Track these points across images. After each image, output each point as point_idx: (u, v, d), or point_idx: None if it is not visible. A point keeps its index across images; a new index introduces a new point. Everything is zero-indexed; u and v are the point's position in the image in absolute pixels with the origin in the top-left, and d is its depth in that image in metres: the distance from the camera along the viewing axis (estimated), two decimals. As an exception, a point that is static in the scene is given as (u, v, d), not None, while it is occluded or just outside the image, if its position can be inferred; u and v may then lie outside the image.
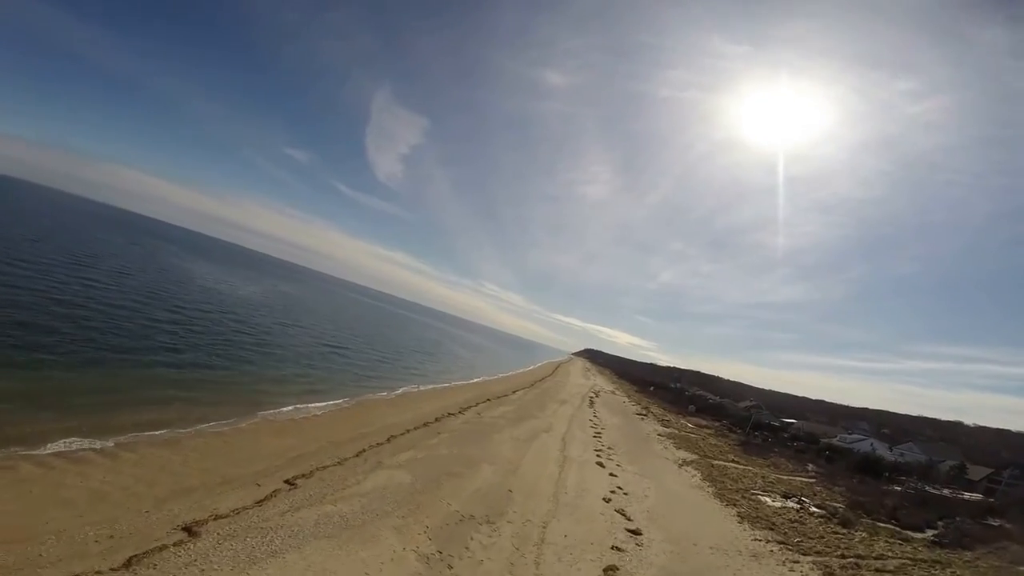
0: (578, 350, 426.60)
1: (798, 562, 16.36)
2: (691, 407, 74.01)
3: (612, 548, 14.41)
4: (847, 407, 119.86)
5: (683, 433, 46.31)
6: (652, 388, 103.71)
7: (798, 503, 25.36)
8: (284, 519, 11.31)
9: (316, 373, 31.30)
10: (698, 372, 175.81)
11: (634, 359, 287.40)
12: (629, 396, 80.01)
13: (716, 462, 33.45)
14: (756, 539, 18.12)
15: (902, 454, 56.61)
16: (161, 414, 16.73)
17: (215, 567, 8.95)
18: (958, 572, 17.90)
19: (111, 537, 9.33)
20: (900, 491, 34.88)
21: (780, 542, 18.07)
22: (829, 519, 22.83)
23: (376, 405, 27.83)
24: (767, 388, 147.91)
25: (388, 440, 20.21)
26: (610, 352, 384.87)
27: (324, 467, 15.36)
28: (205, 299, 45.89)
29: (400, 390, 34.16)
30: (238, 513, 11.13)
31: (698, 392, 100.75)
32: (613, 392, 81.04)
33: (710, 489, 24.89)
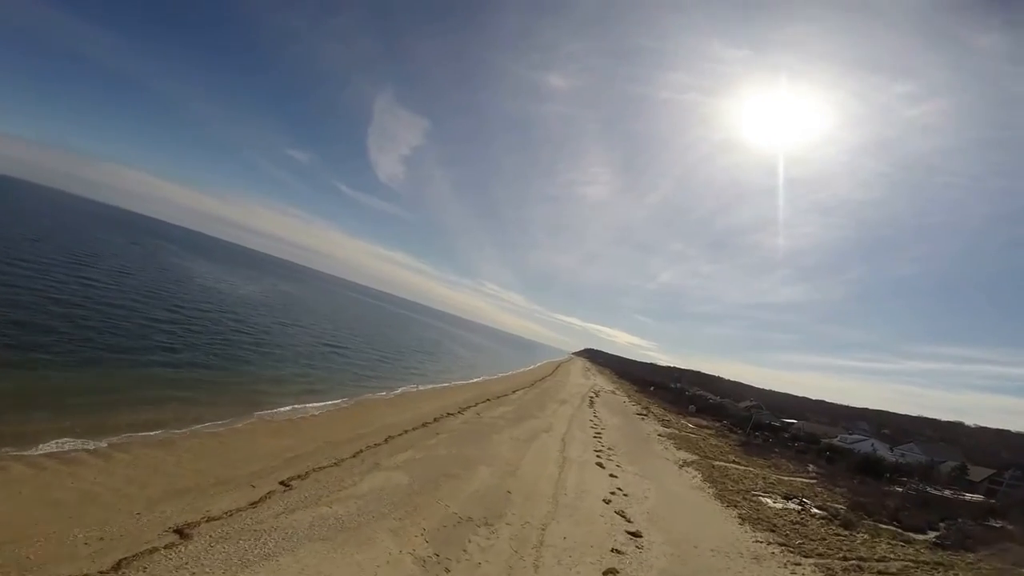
0: (578, 350, 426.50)
1: (800, 564, 16.19)
2: (691, 407, 73.83)
3: (612, 551, 14.25)
4: (847, 407, 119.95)
5: (683, 433, 46.13)
6: (652, 388, 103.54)
7: (799, 504, 25.19)
8: (278, 521, 11.15)
9: (315, 373, 31.14)
10: (698, 372, 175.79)
11: (634, 359, 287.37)
12: (629, 396, 79.83)
13: (717, 463, 33.28)
14: (757, 541, 17.95)
15: (903, 455, 56.42)
16: (156, 414, 16.57)
17: (206, 570, 8.80)
18: (961, 574, 17.75)
19: (101, 539, 9.17)
20: (901, 492, 34.71)
21: (782, 544, 17.91)
22: (831, 521, 22.67)
23: (375, 405, 27.69)
24: (767, 388, 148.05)
25: (386, 441, 20.05)
26: (610, 352, 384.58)
27: (320, 468, 15.20)
28: (205, 298, 45.77)
29: (399, 390, 34.01)
30: (231, 515, 10.97)
31: (698, 392, 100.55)
32: (613, 392, 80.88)
33: (711, 490, 24.72)
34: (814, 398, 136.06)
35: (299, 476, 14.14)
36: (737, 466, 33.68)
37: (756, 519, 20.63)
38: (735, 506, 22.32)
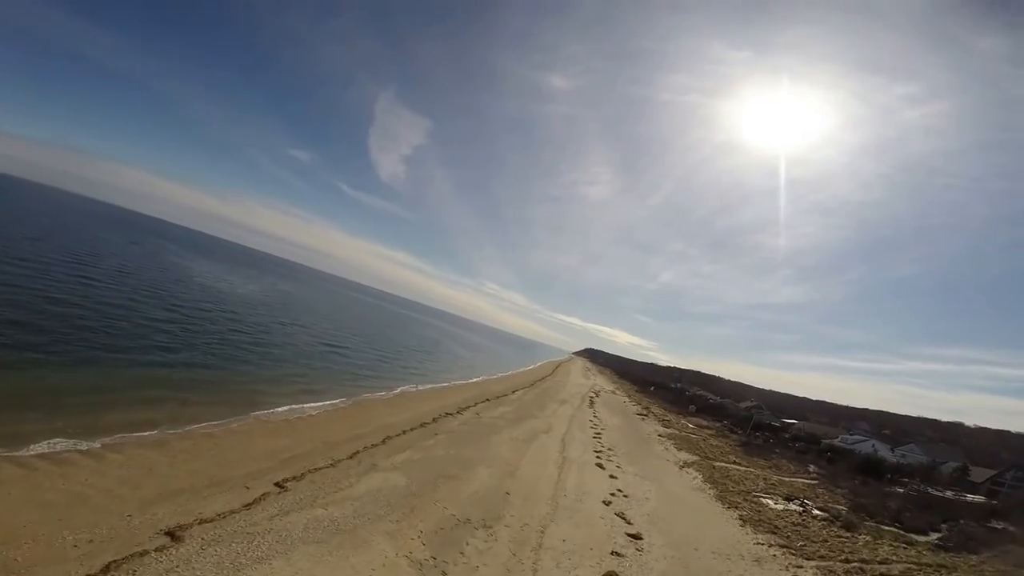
0: (578, 349, 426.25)
1: (802, 567, 16.02)
2: (692, 407, 73.67)
3: (612, 553, 14.07)
4: (848, 408, 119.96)
5: (684, 434, 45.95)
6: (652, 388, 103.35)
7: (800, 505, 25.01)
8: (272, 523, 10.98)
9: (314, 372, 30.96)
10: (698, 372, 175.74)
11: (634, 359, 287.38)
12: (629, 396, 79.63)
13: (717, 463, 33.09)
14: (758, 543, 17.77)
15: (904, 455, 56.21)
16: (152, 414, 16.39)
17: (197, 573, 8.62)
18: (964, 577, 17.57)
19: (91, 541, 9.01)
20: (903, 493, 34.53)
21: (783, 546, 17.73)
22: (832, 522, 22.48)
23: (373, 405, 27.52)
24: (768, 388, 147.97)
25: (384, 441, 19.88)
26: (610, 352, 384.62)
27: (316, 469, 15.03)
28: (204, 298, 45.60)
29: (398, 390, 33.85)
30: (224, 517, 10.79)
31: (699, 392, 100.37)
32: (613, 392, 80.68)
33: (711, 491, 24.54)
34: (814, 398, 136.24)
35: (295, 477, 13.97)
36: (738, 467, 33.49)
37: (757, 521, 20.45)
38: (736, 507, 22.14)
